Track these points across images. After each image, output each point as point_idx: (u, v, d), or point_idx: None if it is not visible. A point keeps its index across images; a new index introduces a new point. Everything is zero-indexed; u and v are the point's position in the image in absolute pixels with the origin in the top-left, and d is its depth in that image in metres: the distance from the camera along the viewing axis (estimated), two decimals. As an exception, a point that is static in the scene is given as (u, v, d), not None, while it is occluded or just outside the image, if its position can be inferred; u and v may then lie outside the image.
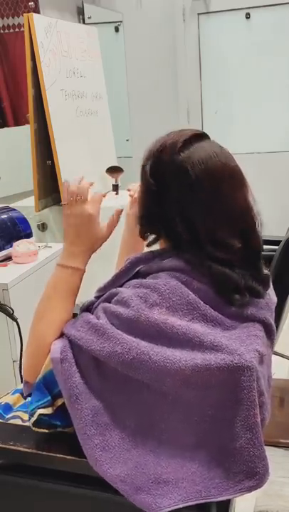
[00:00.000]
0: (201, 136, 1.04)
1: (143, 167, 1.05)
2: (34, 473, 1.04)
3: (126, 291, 0.99)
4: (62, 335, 1.02)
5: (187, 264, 1.00)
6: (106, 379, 0.96)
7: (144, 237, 1.08)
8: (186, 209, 0.98)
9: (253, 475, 0.91)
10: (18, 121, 2.97)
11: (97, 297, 1.13)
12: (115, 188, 2.96)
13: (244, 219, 1.02)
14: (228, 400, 0.91)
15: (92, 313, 1.03)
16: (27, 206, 2.56)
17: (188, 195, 0.98)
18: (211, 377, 0.90)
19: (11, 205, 2.28)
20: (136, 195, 1.31)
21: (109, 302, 1.02)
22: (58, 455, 1.00)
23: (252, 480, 0.92)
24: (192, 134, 1.03)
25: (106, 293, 1.10)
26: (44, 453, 1.00)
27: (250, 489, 0.93)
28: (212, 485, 0.92)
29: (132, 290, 0.98)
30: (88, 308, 1.10)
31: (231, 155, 1.03)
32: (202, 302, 0.98)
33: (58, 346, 0.99)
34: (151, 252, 1.10)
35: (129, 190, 1.35)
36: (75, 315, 1.09)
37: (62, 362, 0.96)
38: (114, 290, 1.03)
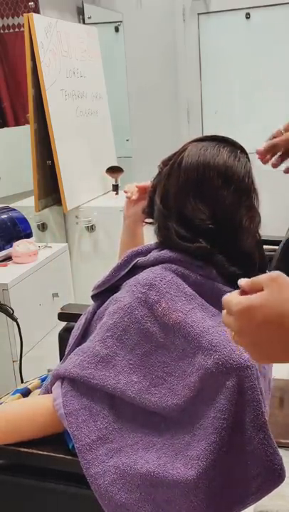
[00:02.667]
0: (214, 138, 1.07)
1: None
2: (34, 473, 1.04)
3: (126, 299, 0.99)
4: (60, 378, 1.01)
5: (185, 255, 1.00)
6: (119, 417, 0.96)
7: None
8: (190, 197, 1.01)
9: (272, 473, 0.91)
10: (18, 121, 2.97)
11: (94, 296, 1.14)
12: (115, 188, 2.96)
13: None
14: (235, 403, 0.89)
15: (93, 330, 1.03)
16: (27, 206, 2.56)
17: (179, 187, 1.01)
18: (215, 380, 0.90)
19: (11, 205, 2.29)
20: (133, 197, 1.31)
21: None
22: (57, 455, 1.00)
23: (272, 478, 0.92)
24: (209, 136, 1.07)
25: (104, 292, 1.11)
26: (44, 453, 1.00)
27: (272, 488, 0.93)
28: (235, 495, 0.92)
29: (130, 295, 0.98)
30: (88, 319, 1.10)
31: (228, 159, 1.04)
32: (198, 296, 0.99)
33: (59, 402, 0.98)
34: (149, 244, 1.11)
35: (126, 192, 1.35)
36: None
37: (68, 416, 0.96)
38: (113, 297, 1.03)
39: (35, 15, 2.45)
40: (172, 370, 0.94)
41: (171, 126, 3.75)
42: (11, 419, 1.03)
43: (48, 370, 1.44)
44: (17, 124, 2.96)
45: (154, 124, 3.78)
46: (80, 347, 1.03)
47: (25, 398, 1.21)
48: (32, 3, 2.66)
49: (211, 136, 1.08)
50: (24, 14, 2.43)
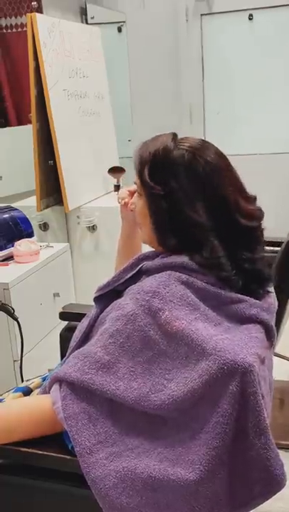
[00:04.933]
0: (175, 135, 1.07)
1: (141, 175, 1.06)
2: (34, 473, 1.04)
3: (129, 306, 0.99)
4: (58, 380, 1.00)
5: (191, 261, 1.00)
6: (119, 422, 0.96)
7: (166, 244, 1.06)
8: (196, 204, 1.00)
9: (274, 478, 0.91)
10: (21, 120, 2.97)
11: (97, 298, 1.14)
12: (117, 188, 2.96)
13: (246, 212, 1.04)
14: (238, 408, 0.89)
15: (96, 334, 1.03)
16: (29, 206, 2.56)
17: (197, 191, 1.00)
18: (219, 384, 0.89)
19: (13, 205, 2.29)
20: (126, 200, 1.31)
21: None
22: (57, 455, 1.00)
23: (274, 483, 0.92)
24: (172, 134, 1.06)
25: (107, 295, 1.11)
26: (44, 453, 1.00)
27: (273, 492, 0.93)
28: (236, 500, 0.92)
29: (134, 302, 0.98)
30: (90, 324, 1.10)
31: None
32: (202, 304, 0.99)
33: (58, 405, 0.97)
34: (156, 250, 1.11)
35: (119, 199, 1.36)
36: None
37: (67, 419, 0.95)
38: (116, 303, 1.03)
39: (38, 14, 2.45)
40: (173, 376, 0.93)
41: (173, 126, 3.71)
42: (8, 419, 1.02)
43: (49, 370, 1.44)
44: (20, 123, 2.97)
45: (156, 125, 3.74)
46: (79, 350, 1.03)
47: (23, 398, 1.21)
48: (35, 2, 2.66)
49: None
50: (27, 14, 2.43)
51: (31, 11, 2.66)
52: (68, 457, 0.98)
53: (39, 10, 2.80)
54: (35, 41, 2.44)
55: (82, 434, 0.94)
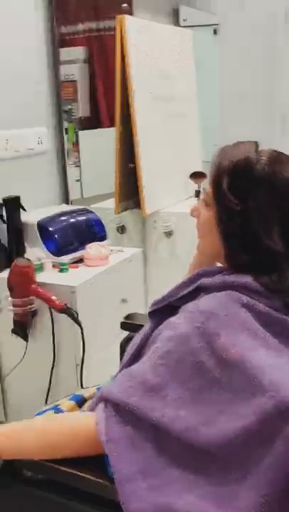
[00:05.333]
0: (257, 145, 0.99)
1: (217, 186, 0.98)
2: (69, 493, 0.99)
3: (182, 326, 0.92)
4: (104, 400, 0.94)
5: (255, 282, 0.93)
6: (162, 452, 0.88)
7: (234, 260, 0.99)
8: (272, 229, 0.93)
9: None
10: (114, 122, 2.98)
11: (152, 312, 1.08)
12: (197, 193, 2.89)
13: None
14: None
15: (147, 352, 0.97)
16: (108, 208, 2.56)
17: (275, 209, 0.93)
18: (274, 424, 0.80)
19: (93, 206, 2.28)
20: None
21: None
22: (97, 479, 0.95)
23: None
24: (254, 143, 0.98)
25: (163, 310, 1.05)
26: (82, 475, 0.96)
27: None
28: None
29: (188, 323, 0.91)
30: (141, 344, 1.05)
31: None
32: (264, 330, 0.90)
33: (101, 426, 0.91)
34: (220, 267, 1.04)
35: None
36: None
37: (109, 443, 0.89)
38: (169, 321, 0.97)
39: (127, 16, 2.44)
40: (225, 409, 0.85)
41: (263, 132, 3.59)
42: (52, 435, 0.99)
43: (111, 377, 1.41)
44: (112, 125, 2.98)
45: (245, 130, 3.64)
46: (128, 368, 0.97)
47: (70, 413, 1.18)
48: (126, 4, 2.64)
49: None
50: (116, 16, 2.42)
51: (123, 13, 2.65)
52: (106, 483, 0.93)
53: (130, 12, 2.79)
54: (123, 43, 2.42)
55: (122, 460, 0.88)
